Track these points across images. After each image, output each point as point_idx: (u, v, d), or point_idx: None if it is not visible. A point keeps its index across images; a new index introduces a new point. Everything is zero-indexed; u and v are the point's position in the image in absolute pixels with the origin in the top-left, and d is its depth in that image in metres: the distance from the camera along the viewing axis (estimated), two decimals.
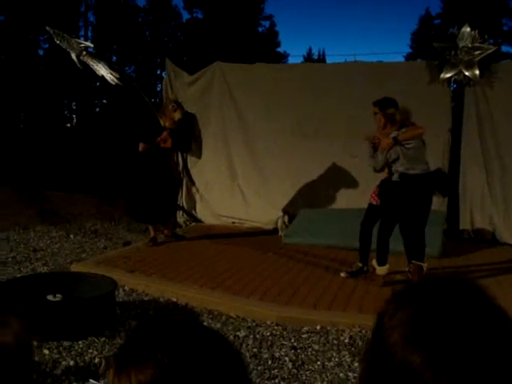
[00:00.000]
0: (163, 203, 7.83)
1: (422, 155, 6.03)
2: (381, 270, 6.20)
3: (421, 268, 5.97)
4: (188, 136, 8.07)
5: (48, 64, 20.93)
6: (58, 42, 8.24)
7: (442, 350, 0.77)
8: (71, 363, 4.20)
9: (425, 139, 6.08)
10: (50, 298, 5.01)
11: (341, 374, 4.11)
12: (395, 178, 5.99)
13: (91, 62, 8.38)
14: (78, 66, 8.36)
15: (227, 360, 0.96)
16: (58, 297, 5.03)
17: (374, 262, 6.31)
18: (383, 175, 6.30)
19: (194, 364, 0.91)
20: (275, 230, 8.79)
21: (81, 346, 4.51)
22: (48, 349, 4.41)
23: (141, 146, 7.61)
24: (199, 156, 9.74)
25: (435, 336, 0.79)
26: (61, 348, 4.45)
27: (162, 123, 7.63)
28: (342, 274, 6.52)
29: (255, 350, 4.55)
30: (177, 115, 7.64)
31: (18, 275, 6.39)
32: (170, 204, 8.10)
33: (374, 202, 6.38)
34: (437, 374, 0.77)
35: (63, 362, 4.20)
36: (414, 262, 6.00)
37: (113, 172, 15.17)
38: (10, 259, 7.24)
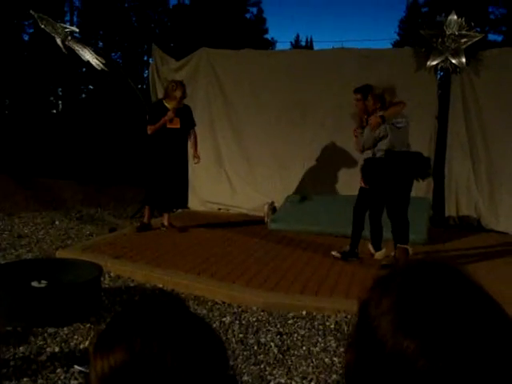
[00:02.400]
0: (178, 187, 7.80)
1: (406, 138, 6.16)
2: (379, 255, 6.24)
3: (406, 251, 6.05)
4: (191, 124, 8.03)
5: (33, 49, 20.71)
6: (42, 26, 8.17)
7: (435, 335, 0.76)
8: (56, 349, 4.19)
9: (410, 122, 6.19)
10: (34, 284, 5.00)
11: (326, 359, 4.13)
12: (380, 155, 6.07)
13: (76, 47, 8.33)
14: (64, 51, 8.29)
15: (205, 347, 0.94)
16: (43, 283, 5.01)
17: (371, 247, 6.35)
18: (366, 155, 6.36)
19: (168, 348, 0.89)
20: (261, 217, 8.78)
21: (66, 332, 4.49)
22: (33, 335, 4.39)
23: (148, 129, 7.59)
24: None
25: (425, 321, 0.77)
26: (46, 334, 4.43)
27: (167, 105, 7.58)
28: (334, 253, 6.54)
29: (241, 335, 4.56)
30: (177, 93, 7.57)
31: (3, 262, 6.36)
32: (183, 188, 8.01)
33: (363, 185, 6.41)
34: (431, 360, 0.75)
35: (48, 349, 4.19)
36: (399, 245, 6.07)
37: (99, 158, 15.10)
38: None
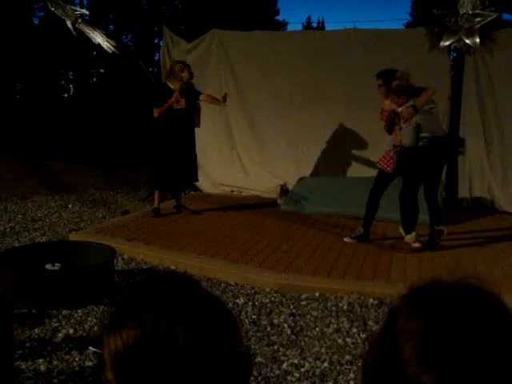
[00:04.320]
0: (187, 168, 7.77)
1: (439, 119, 6.28)
2: (410, 238, 6.23)
3: (442, 232, 6.19)
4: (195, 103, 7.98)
5: (43, 33, 20.70)
6: (52, 9, 8.16)
7: (455, 375, 0.74)
8: (70, 331, 4.22)
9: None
10: (48, 267, 5.03)
11: (339, 340, 4.14)
12: (422, 143, 6.05)
13: (87, 30, 8.31)
14: (74, 33, 8.28)
15: (216, 322, 0.95)
16: (57, 266, 5.04)
17: (402, 231, 6.34)
18: (394, 141, 6.33)
19: (179, 323, 0.90)
20: (274, 198, 8.78)
21: (80, 314, 4.53)
22: (48, 317, 4.43)
23: (155, 112, 7.52)
24: (197, 124, 9.68)
25: (448, 358, 0.75)
26: (60, 316, 4.47)
27: (171, 86, 7.53)
28: (346, 239, 6.55)
29: (254, 316, 4.58)
30: (185, 75, 7.52)
31: (17, 245, 6.40)
32: (193, 168, 7.97)
33: (389, 169, 6.30)
34: None
35: (63, 331, 4.23)
36: (435, 227, 6.21)
37: (111, 142, 15.13)
38: (8, 229, 7.24)
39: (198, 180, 8.35)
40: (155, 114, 7.52)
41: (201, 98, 7.82)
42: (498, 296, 0.84)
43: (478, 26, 8.06)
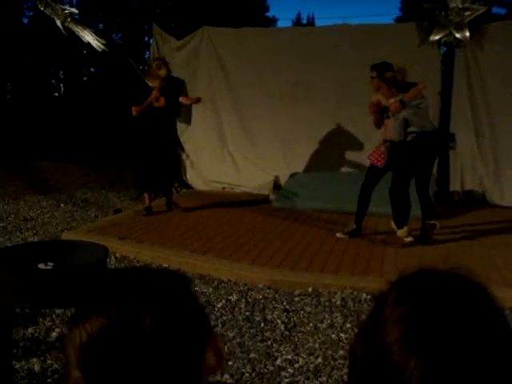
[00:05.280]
0: (169, 166, 7.74)
1: (429, 114, 6.31)
2: (402, 232, 6.25)
3: (434, 226, 6.21)
4: (177, 101, 7.93)
5: (33, 32, 20.61)
6: (41, 8, 8.11)
7: (440, 357, 0.74)
8: (64, 330, 4.21)
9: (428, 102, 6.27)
10: (41, 266, 5.02)
11: (333, 336, 4.15)
12: (410, 137, 6.08)
13: (76, 29, 8.26)
14: (64, 32, 8.24)
15: (184, 310, 0.93)
16: (50, 265, 5.04)
17: (394, 225, 6.36)
18: (382, 136, 6.36)
19: (145, 311, 0.88)
20: (266, 195, 8.78)
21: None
22: (41, 317, 4.43)
23: (134, 111, 7.47)
24: (188, 122, 9.68)
25: (432, 341, 0.75)
26: (53, 316, 4.47)
27: (150, 84, 7.50)
28: (339, 235, 6.56)
29: (247, 313, 4.58)
30: (162, 72, 7.49)
31: (9, 245, 6.38)
32: (175, 167, 7.99)
33: (379, 164, 6.30)
34: (432, 382, 0.74)
35: (56, 330, 4.23)
36: (426, 221, 6.22)
37: (102, 141, 15.08)
38: (0, 229, 7.22)
39: (182, 179, 8.33)
40: (134, 113, 7.47)
41: (180, 99, 7.91)
42: (485, 285, 0.84)
43: (468, 19, 8.07)
